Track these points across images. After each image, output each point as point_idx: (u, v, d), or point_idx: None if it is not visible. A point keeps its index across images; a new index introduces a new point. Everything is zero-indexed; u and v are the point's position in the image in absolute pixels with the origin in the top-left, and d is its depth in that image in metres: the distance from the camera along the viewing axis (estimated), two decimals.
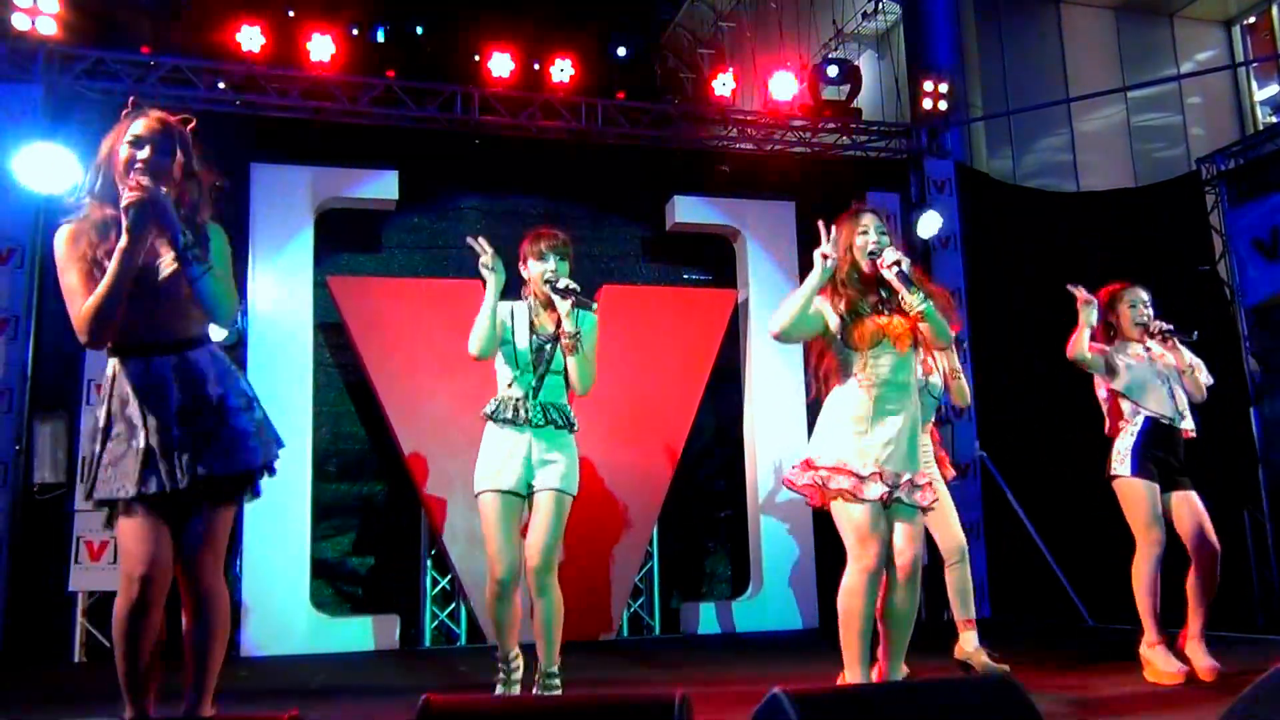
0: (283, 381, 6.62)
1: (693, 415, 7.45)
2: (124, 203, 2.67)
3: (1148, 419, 4.39)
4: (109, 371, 2.79)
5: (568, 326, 3.83)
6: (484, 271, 3.90)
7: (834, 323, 3.43)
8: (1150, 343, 4.51)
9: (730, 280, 7.93)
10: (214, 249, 2.84)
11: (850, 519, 3.33)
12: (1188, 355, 4.50)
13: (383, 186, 7.12)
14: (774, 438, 7.55)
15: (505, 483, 3.87)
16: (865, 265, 3.44)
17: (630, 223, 8.00)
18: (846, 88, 8.40)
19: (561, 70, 7.71)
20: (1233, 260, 8.51)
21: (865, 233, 3.46)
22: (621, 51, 10.10)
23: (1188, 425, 4.44)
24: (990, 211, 8.66)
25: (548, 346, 3.93)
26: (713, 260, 8.09)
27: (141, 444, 2.69)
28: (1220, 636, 4.76)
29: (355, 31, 8.90)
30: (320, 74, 7.23)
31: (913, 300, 3.36)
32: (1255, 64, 12.53)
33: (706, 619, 7.28)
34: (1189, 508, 4.37)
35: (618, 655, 6.16)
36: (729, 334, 7.70)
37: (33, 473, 6.42)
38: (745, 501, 7.66)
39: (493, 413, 3.96)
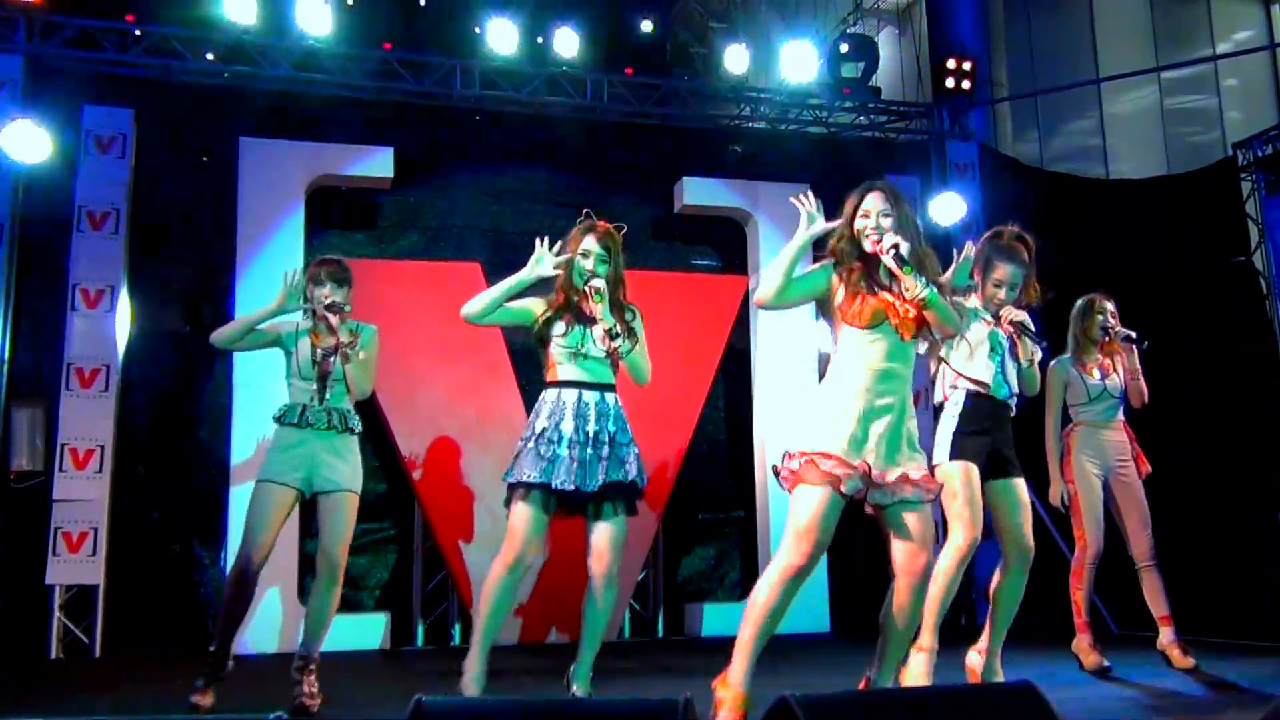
0: (271, 367, 6.59)
1: (699, 408, 7.45)
2: None
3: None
4: None
5: (342, 338, 4.28)
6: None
7: (839, 296, 3.40)
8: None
9: (741, 266, 7.91)
10: None
11: (806, 504, 3.23)
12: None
13: (378, 164, 7.10)
14: (785, 433, 7.53)
15: (286, 479, 4.28)
16: (868, 246, 3.40)
17: (637, 204, 7.97)
18: (862, 64, 8.37)
19: (567, 44, 7.68)
20: (1269, 250, 8.47)
21: (866, 217, 3.42)
22: (647, 26, 9.96)
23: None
24: (1015, 197, 8.62)
25: (331, 359, 4.35)
26: (722, 244, 8.08)
27: None
28: (1263, 647, 4.77)
29: (350, 1, 8.88)
30: (313, 45, 7.21)
31: (914, 286, 3.30)
32: None
33: (712, 621, 7.28)
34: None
35: (619, 658, 6.15)
36: (738, 322, 7.69)
37: (9, 460, 6.44)
38: (754, 499, 7.65)
39: (281, 416, 4.36)
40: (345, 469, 4.38)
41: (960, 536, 4.04)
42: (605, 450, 3.94)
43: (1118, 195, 9.29)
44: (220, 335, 4.48)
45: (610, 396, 4.04)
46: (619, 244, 4.15)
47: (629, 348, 3.99)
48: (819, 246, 3.55)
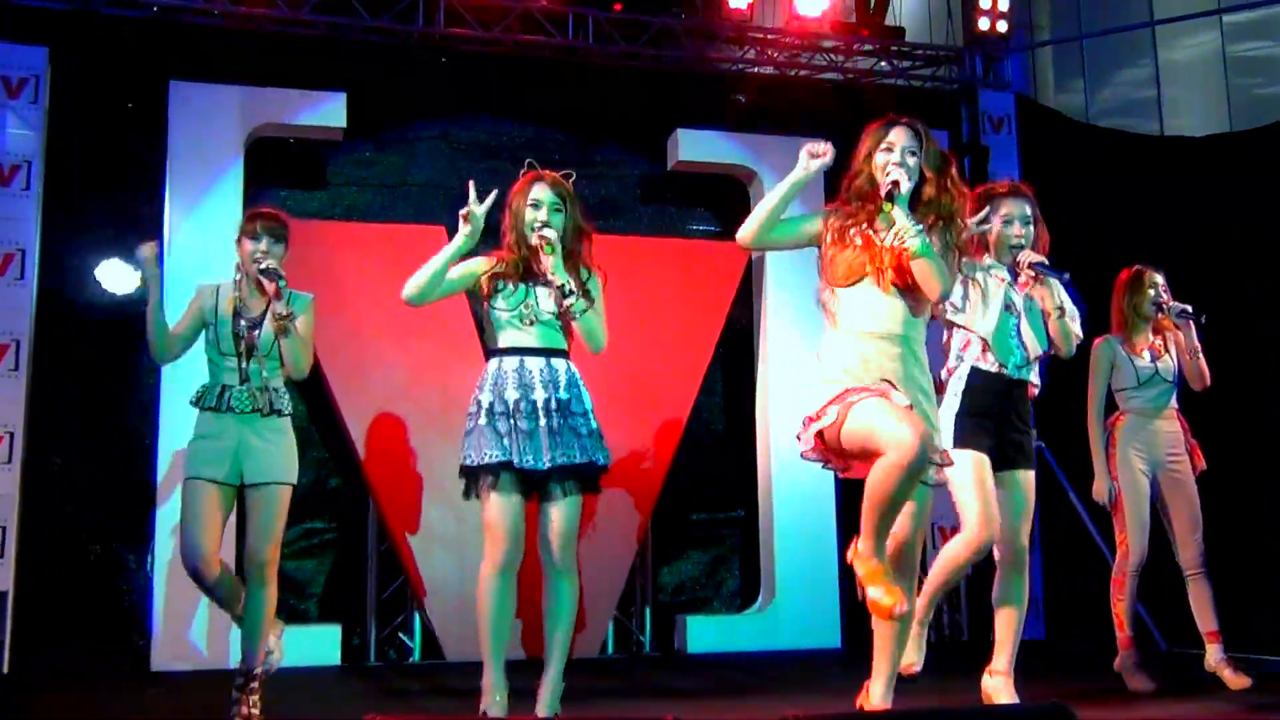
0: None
1: (695, 392, 7.45)
2: None
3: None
4: None
5: (279, 309, 4.23)
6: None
7: (822, 237, 3.50)
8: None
9: None
10: None
11: (866, 416, 3.27)
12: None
13: (328, 112, 7.06)
14: (792, 420, 7.49)
15: (215, 474, 4.27)
16: (882, 188, 3.42)
17: (625, 159, 7.96)
18: (884, 1, 8.35)
19: None
20: None
21: (889, 150, 3.45)
22: None
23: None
24: (1057, 155, 8.61)
25: (257, 331, 4.36)
26: (723, 207, 8.05)
27: None
28: None
29: None
30: None
31: (905, 231, 3.32)
32: None
33: (706, 635, 7.30)
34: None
35: (601, 675, 6.17)
36: (740, 296, 7.68)
37: None
38: (756, 495, 7.66)
39: (199, 400, 4.36)
40: (275, 458, 4.36)
41: (971, 533, 4.07)
42: (555, 421, 3.91)
43: (1174, 154, 9.27)
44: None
45: (559, 362, 4.02)
46: (573, 193, 4.14)
47: (583, 307, 3.95)
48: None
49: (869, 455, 3.27)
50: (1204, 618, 5.11)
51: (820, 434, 3.39)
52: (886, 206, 3.34)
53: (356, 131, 7.25)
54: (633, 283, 7.19)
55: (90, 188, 6.98)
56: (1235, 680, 4.95)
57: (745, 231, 3.53)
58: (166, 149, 6.80)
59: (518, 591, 3.98)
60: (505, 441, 3.87)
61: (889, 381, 3.33)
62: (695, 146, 7.73)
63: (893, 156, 3.43)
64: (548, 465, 3.87)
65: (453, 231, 7.00)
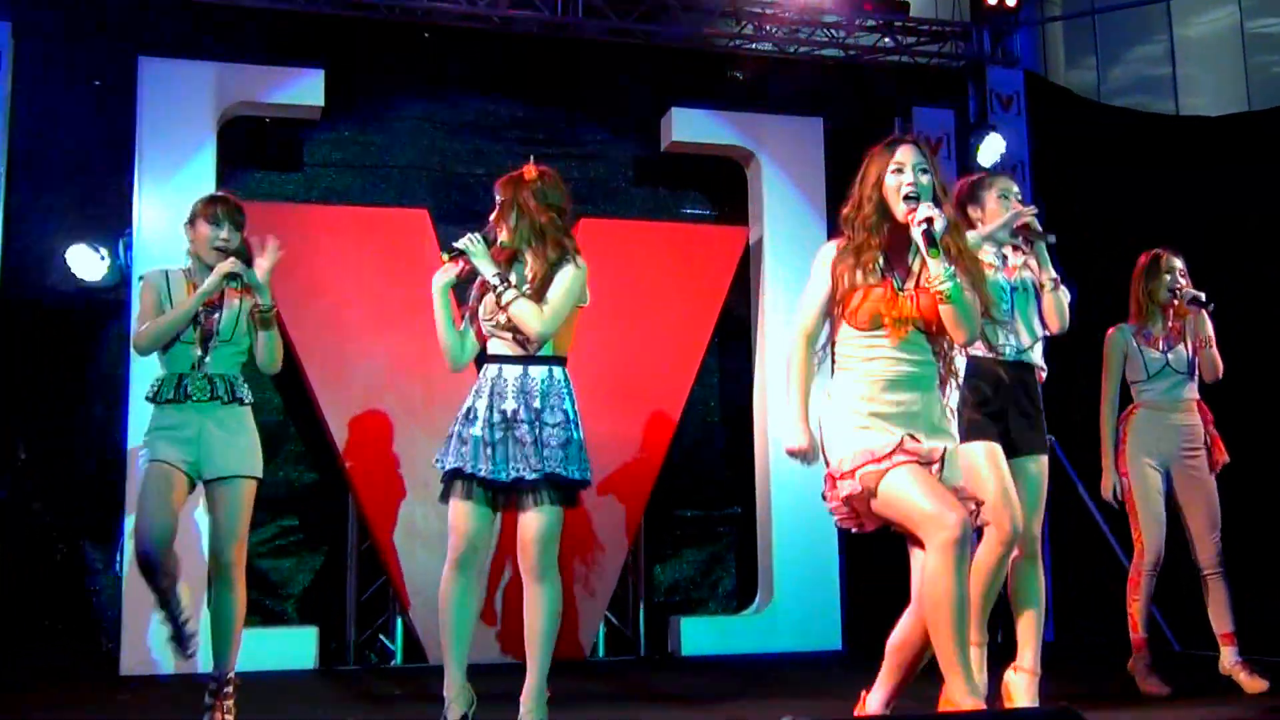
0: None
1: (690, 384, 7.47)
2: None
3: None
4: None
5: (259, 301, 4.33)
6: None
7: (836, 288, 3.40)
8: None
9: (740, 215, 7.91)
10: None
11: (895, 496, 3.22)
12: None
13: (305, 89, 7.05)
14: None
15: (177, 461, 4.26)
16: (900, 212, 3.35)
17: (617, 140, 7.96)
18: None
19: None
20: None
21: (899, 171, 3.37)
22: None
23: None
24: (1068, 135, 8.63)
25: (215, 316, 4.38)
26: (718, 189, 8.07)
27: None
28: None
29: None
30: None
31: (938, 273, 3.27)
32: None
33: (701, 637, 7.33)
34: None
35: (592, 678, 6.20)
36: (737, 283, 7.70)
37: None
38: (754, 491, 7.69)
39: (156, 394, 4.33)
40: (239, 450, 4.34)
41: (998, 528, 4.08)
42: (522, 431, 4.00)
43: (1189, 134, 9.31)
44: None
45: (536, 370, 4.09)
46: (525, 188, 4.16)
47: (512, 295, 4.02)
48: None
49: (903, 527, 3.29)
50: (1220, 619, 5.13)
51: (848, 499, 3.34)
52: (933, 254, 3.25)
53: (335, 110, 7.23)
54: (624, 269, 7.22)
55: (56, 168, 6.96)
56: (1251, 684, 4.97)
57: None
58: (136, 128, 6.78)
59: (484, 594, 4.08)
60: (464, 449, 4.02)
61: (912, 436, 3.29)
62: (690, 126, 7.72)
63: (905, 177, 3.35)
64: (510, 477, 3.99)
65: (436, 215, 7.14)
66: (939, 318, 3.33)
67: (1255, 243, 8.27)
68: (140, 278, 4.51)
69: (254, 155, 7.29)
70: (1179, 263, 5.26)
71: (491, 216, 4.17)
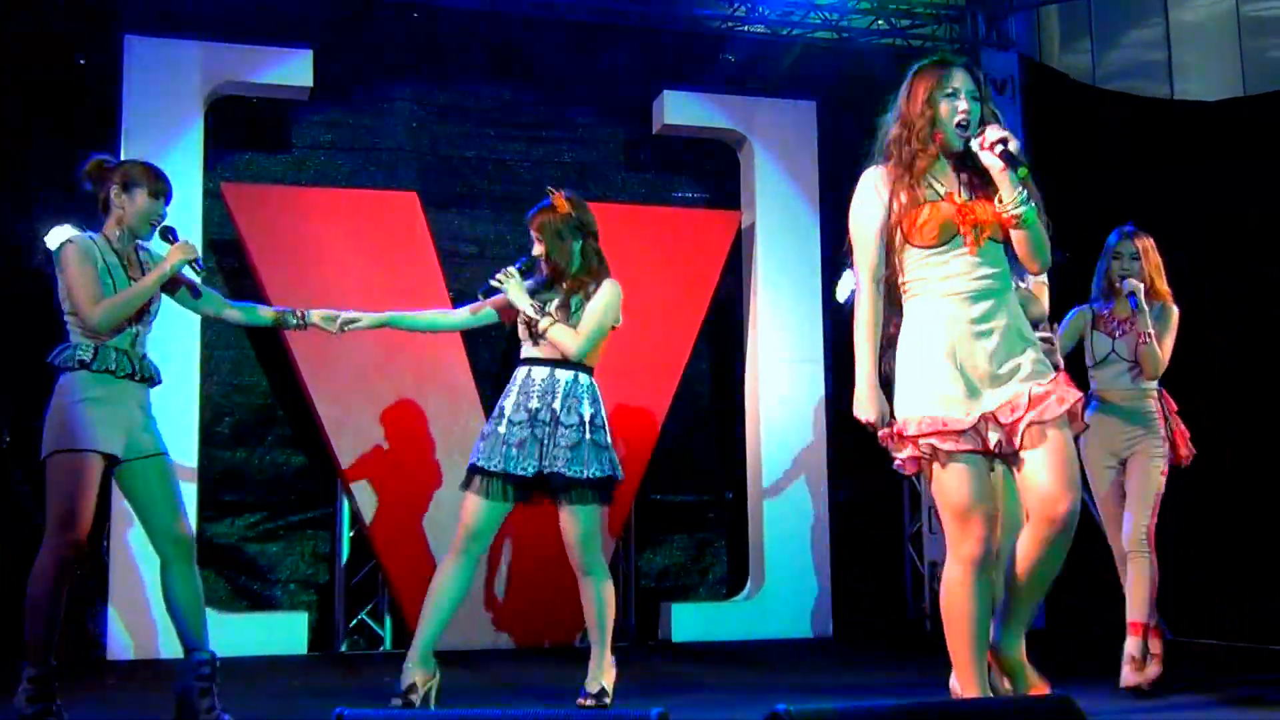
0: (162, 314, 6.55)
1: (681, 369, 7.47)
2: None
3: None
4: None
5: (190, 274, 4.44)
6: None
7: (892, 210, 3.31)
8: None
9: (732, 199, 7.92)
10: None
11: (944, 490, 3.22)
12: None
13: (294, 69, 7.02)
14: (784, 399, 7.57)
15: (111, 445, 4.13)
16: (956, 139, 3.30)
17: (608, 122, 7.93)
18: None
19: None
20: None
21: (953, 95, 3.30)
22: None
23: None
24: (1063, 119, 8.63)
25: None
26: (711, 173, 8.07)
27: None
28: None
29: None
30: None
31: (1014, 197, 3.22)
32: None
33: (692, 623, 7.35)
34: None
35: (582, 665, 6.18)
36: (729, 267, 7.70)
37: None
38: (745, 476, 7.70)
39: (93, 359, 4.14)
40: (156, 428, 4.30)
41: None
42: (542, 431, 4.42)
43: (1184, 119, 9.29)
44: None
45: (562, 373, 4.52)
46: (558, 220, 4.60)
47: (547, 324, 4.47)
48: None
49: None
50: (1135, 605, 4.89)
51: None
52: (1020, 174, 3.19)
53: (324, 91, 7.20)
54: (615, 253, 7.09)
55: (39, 149, 6.92)
56: (1133, 677, 4.76)
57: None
58: (121, 108, 6.75)
59: (476, 581, 4.34)
60: (484, 445, 4.47)
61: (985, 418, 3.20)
62: (682, 109, 7.71)
63: (959, 103, 3.28)
64: (530, 472, 4.40)
65: (426, 199, 7.13)
66: (1008, 236, 3.30)
67: (1254, 240, 8.26)
68: (69, 241, 4.25)
69: (242, 136, 7.26)
70: (1142, 243, 5.09)
71: (533, 251, 4.62)
